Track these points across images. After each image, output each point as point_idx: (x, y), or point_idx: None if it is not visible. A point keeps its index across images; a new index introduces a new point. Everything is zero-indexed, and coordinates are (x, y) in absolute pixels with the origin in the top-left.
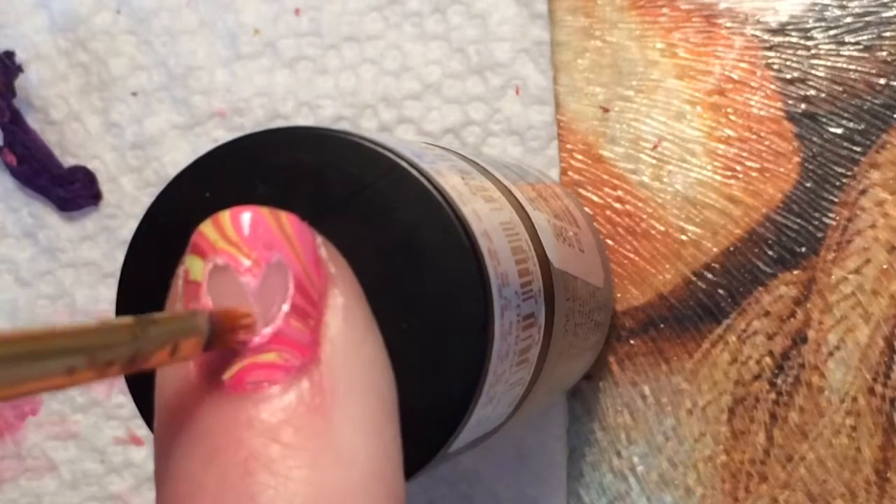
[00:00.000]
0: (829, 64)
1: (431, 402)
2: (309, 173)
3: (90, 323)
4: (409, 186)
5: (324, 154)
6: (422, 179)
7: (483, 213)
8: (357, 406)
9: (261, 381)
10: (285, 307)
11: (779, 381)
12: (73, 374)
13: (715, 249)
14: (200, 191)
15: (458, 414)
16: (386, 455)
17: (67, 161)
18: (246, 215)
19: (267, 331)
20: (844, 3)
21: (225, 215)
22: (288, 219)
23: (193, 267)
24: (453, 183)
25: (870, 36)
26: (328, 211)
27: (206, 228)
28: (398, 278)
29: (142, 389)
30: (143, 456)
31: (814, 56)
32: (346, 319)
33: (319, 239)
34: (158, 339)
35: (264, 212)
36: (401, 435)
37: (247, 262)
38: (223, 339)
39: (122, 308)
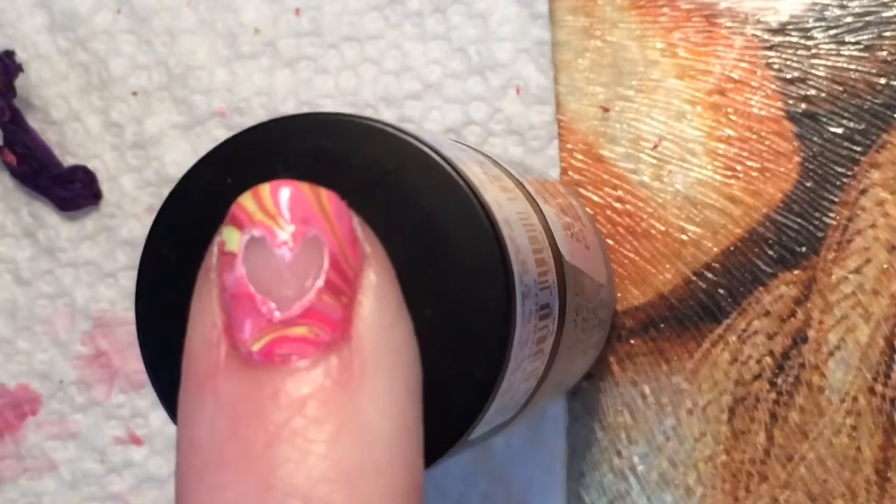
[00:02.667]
0: (829, 64)
1: (454, 387)
2: (332, 159)
3: None
4: (432, 173)
5: (346, 140)
6: (445, 166)
7: (502, 201)
8: (383, 387)
9: (289, 355)
10: (319, 282)
11: (779, 381)
12: None
13: (715, 249)
14: (222, 177)
15: (481, 399)
16: (408, 438)
17: (67, 161)
18: (285, 189)
19: (299, 304)
20: (845, 2)
21: (265, 188)
22: (327, 195)
23: (230, 238)
24: (473, 171)
25: (870, 36)
26: (351, 197)
27: (246, 200)
28: (421, 264)
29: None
30: (143, 456)
31: (814, 56)
32: (378, 300)
33: (357, 219)
34: None
35: (304, 187)
36: (423, 420)
37: (283, 236)
38: None
39: (139, 288)
